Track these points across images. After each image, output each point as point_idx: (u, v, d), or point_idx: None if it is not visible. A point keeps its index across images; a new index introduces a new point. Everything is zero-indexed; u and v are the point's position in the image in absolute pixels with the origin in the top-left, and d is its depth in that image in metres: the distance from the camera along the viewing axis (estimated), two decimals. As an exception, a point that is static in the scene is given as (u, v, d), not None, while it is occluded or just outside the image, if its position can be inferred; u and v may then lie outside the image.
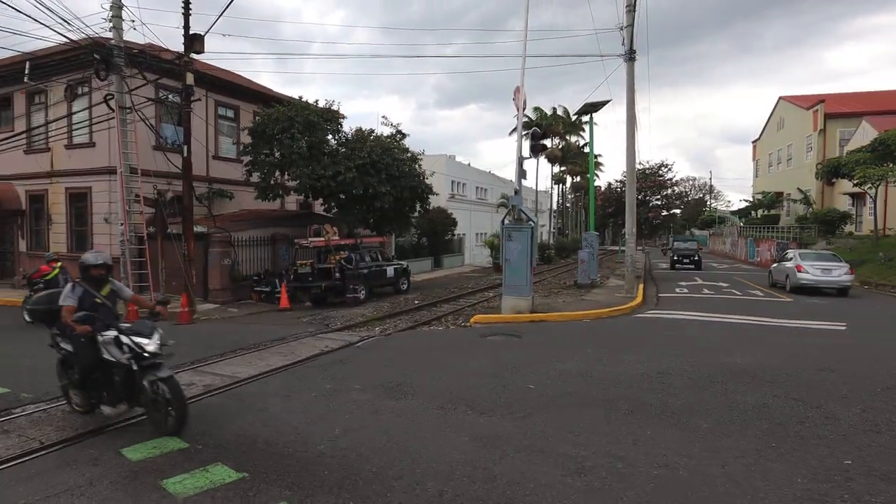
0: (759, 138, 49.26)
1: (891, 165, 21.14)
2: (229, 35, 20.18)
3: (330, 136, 18.79)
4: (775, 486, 3.60)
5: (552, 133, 40.19)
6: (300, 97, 18.36)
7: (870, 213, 31.02)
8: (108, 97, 13.86)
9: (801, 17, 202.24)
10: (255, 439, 4.67)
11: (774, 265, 20.09)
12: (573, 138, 47.28)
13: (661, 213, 48.44)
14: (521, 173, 12.46)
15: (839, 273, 16.47)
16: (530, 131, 13.08)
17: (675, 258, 29.72)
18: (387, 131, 20.39)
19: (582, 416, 5.13)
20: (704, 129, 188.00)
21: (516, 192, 12.26)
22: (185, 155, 13.89)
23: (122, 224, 13.72)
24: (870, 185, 23.09)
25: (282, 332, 10.85)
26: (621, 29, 16.20)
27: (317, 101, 18.66)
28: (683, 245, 31.44)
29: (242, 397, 6.24)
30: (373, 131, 19.70)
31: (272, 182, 17.96)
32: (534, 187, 39.15)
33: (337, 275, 15.32)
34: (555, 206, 50.68)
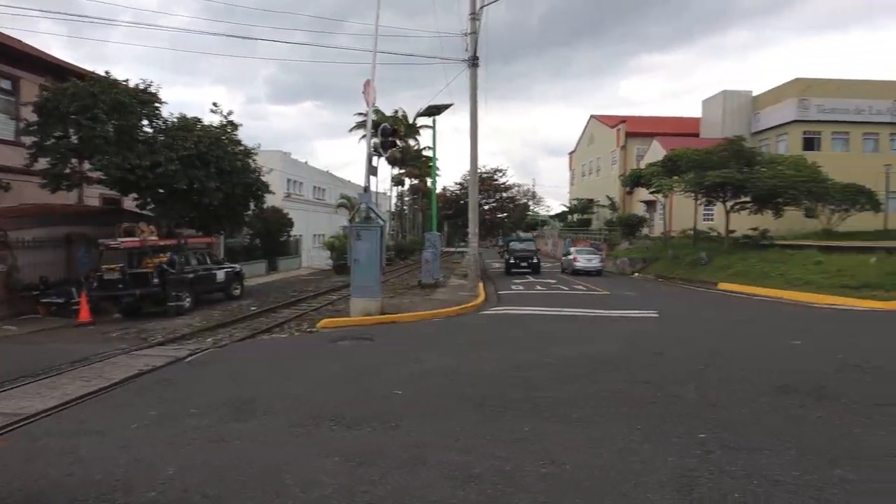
0: (574, 151, 55.33)
1: (676, 178, 25.07)
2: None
3: (145, 122, 16.28)
4: (652, 468, 3.69)
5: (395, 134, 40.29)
6: (107, 73, 15.60)
7: (660, 218, 36.67)
8: None
9: (602, 50, 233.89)
10: (53, 497, 3.54)
11: (564, 258, 28.86)
12: (411, 142, 48.06)
13: (497, 215, 51.69)
14: (371, 170, 12.02)
15: (596, 261, 25.99)
16: (380, 128, 12.68)
17: (512, 261, 26.33)
18: (216, 120, 18.34)
19: (456, 419, 4.87)
20: (528, 140, 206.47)
21: (366, 190, 11.78)
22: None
23: None
24: (662, 193, 27.14)
25: (83, 352, 8.92)
26: (465, 35, 16.70)
27: (127, 81, 16.04)
28: (520, 246, 28.31)
29: (34, 438, 4.82)
30: (199, 120, 17.53)
31: (68, 170, 14.95)
32: (374, 189, 38.85)
33: (156, 280, 13.23)
34: (393, 209, 51.06)
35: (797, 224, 28.85)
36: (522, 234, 53.62)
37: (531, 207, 74.68)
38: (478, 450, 4.10)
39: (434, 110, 20.08)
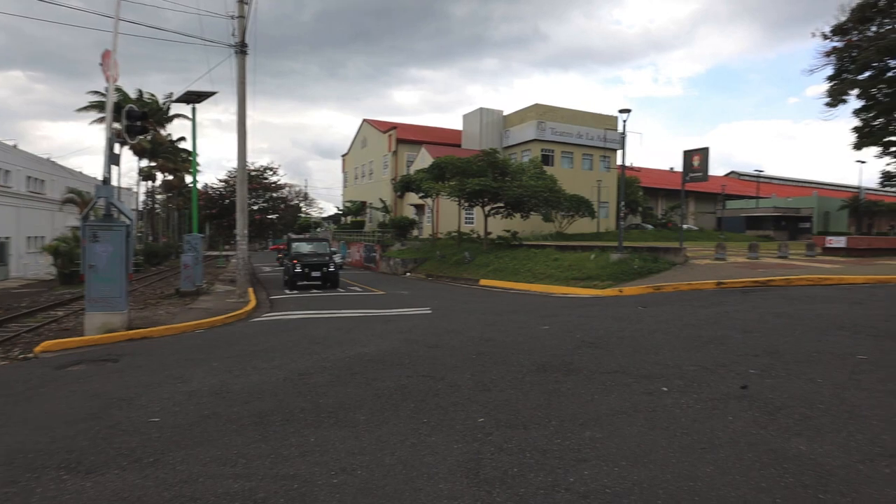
0: (347, 153, 55.69)
1: (442, 184, 27.14)
2: None
3: None
4: (442, 458, 3.78)
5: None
6: None
7: (427, 221, 39.28)
8: None
9: (374, 59, 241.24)
10: None
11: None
12: (163, 131, 42.41)
13: (267, 216, 48.76)
14: (113, 158, 10.05)
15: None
16: (125, 110, 10.71)
17: (298, 269, 18.71)
18: None
19: (232, 441, 4.30)
20: (298, 140, 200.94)
21: (105, 182, 9.82)
22: None
23: None
24: (430, 197, 29.08)
25: None
26: (233, 18, 15.27)
27: None
28: (309, 248, 21.40)
29: None
30: None
31: None
32: (116, 183, 33.06)
33: None
34: (141, 206, 44.35)
35: (538, 227, 33.93)
36: (318, 232, 51.04)
37: (303, 209, 72.72)
38: (261, 472, 3.67)
39: (194, 97, 17.92)
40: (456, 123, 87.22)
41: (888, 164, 45.00)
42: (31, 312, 14.07)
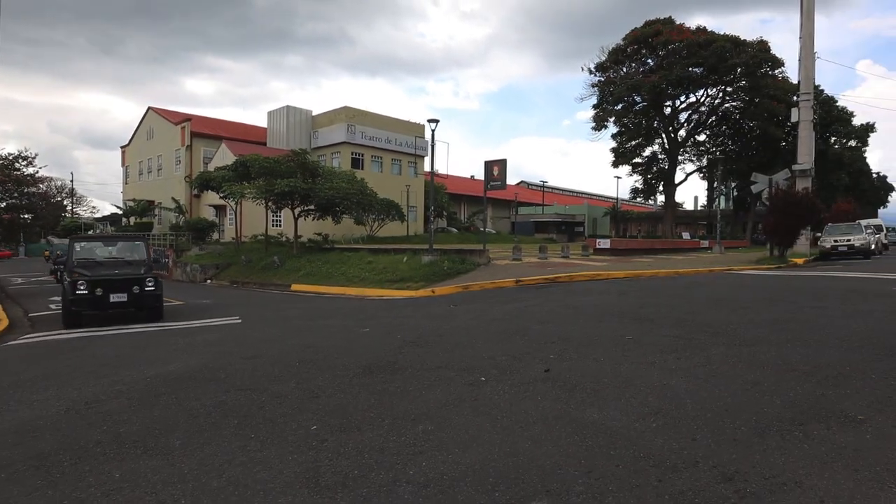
0: (128, 144, 48.73)
1: (247, 184, 25.45)
2: None
3: None
4: (277, 472, 3.61)
5: None
6: None
7: (230, 223, 36.41)
8: None
9: (161, 39, 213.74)
10: None
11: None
12: None
13: (20, 215, 39.87)
14: None
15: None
16: None
17: (85, 291, 11.39)
18: None
19: (6, 493, 3.50)
20: (60, 126, 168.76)
21: None
22: None
23: None
24: (233, 198, 27.02)
25: None
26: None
27: None
28: (105, 253, 13.19)
29: None
30: None
31: None
32: None
33: None
34: None
35: (349, 230, 33.89)
36: (56, 241, 42.51)
37: (69, 207, 61.24)
38: (50, 522, 3.06)
39: None
40: (259, 120, 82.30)
41: (636, 182, 55.43)
42: None
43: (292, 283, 20.68)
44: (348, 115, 41.23)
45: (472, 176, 72.46)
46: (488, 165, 20.86)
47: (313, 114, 44.19)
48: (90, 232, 47.82)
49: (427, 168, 48.02)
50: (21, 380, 6.73)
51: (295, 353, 7.51)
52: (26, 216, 41.08)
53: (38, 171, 41.66)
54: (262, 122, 49.16)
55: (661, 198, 58.37)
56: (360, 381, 5.86)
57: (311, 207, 24.98)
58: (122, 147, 50.01)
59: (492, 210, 66.33)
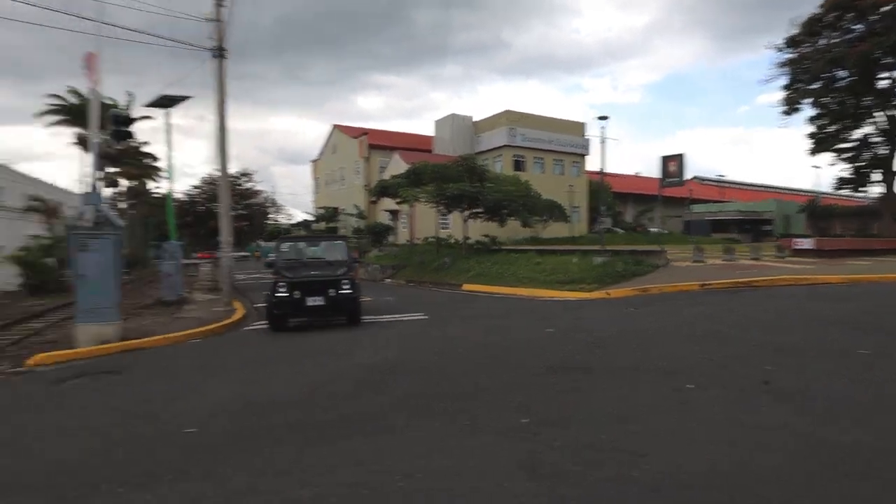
0: (318, 159, 55.11)
1: (420, 188, 27.19)
2: None
3: None
4: (494, 459, 3.85)
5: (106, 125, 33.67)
6: None
7: (403, 226, 39.22)
8: None
9: (338, 63, 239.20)
10: None
11: None
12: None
13: (242, 223, 47.72)
14: (100, 165, 9.75)
15: None
16: (111, 113, 10.41)
17: (287, 294, 10.69)
18: None
19: (276, 452, 4.26)
20: (262, 146, 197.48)
21: (94, 189, 9.52)
22: None
23: None
24: (408, 203, 29.08)
25: None
26: (208, 21, 15.00)
27: None
28: (307, 253, 12.83)
29: None
30: None
31: None
32: (81, 191, 31.83)
33: None
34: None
35: (514, 232, 34.32)
36: (263, 244, 49.01)
37: (271, 215, 71.42)
38: (322, 481, 3.67)
39: (167, 101, 17.45)
40: (422, 129, 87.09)
41: (841, 171, 47.36)
42: (6, 326, 13.42)
43: (463, 283, 21.57)
44: (509, 119, 41.82)
45: (638, 173, 68.52)
46: (664, 161, 19.61)
47: (474, 119, 45.69)
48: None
49: (590, 167, 46.63)
50: (261, 360, 8.08)
51: (482, 350, 7.88)
52: (244, 224, 49.18)
53: (254, 186, 49.58)
54: (425, 130, 52.03)
55: (875, 189, 49.12)
56: (552, 380, 5.96)
57: (480, 210, 25.83)
58: (312, 161, 56.91)
59: (661, 208, 62.00)
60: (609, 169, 54.63)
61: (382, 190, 30.90)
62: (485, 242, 27.44)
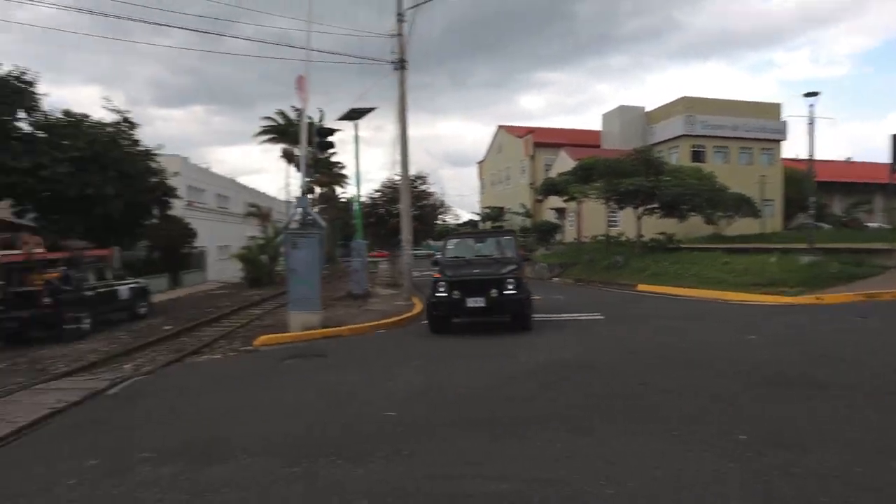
0: (483, 160, 56.51)
1: (590, 185, 26.25)
2: None
3: (23, 115, 14.01)
4: (714, 476, 3.46)
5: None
6: (-27, 58, 13.17)
7: (570, 225, 38.35)
8: None
9: (499, 65, 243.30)
10: None
11: None
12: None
13: (417, 225, 51.14)
14: (308, 172, 11.10)
15: None
16: (315, 128, 11.80)
17: (446, 294, 9.90)
18: (109, 118, 16.21)
19: (473, 441, 4.37)
20: (430, 150, 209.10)
21: (303, 195, 10.88)
22: None
23: None
24: (576, 200, 28.32)
25: (-36, 390, 7.25)
26: (391, 36, 16.19)
27: (-1, 66, 13.67)
28: (472, 251, 11.98)
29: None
30: (87, 117, 15.44)
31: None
32: (291, 198, 36.98)
33: (47, 300, 11.28)
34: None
35: (692, 229, 31.42)
36: (434, 244, 51.74)
37: (440, 216, 75.23)
38: (520, 475, 3.64)
39: (355, 114, 19.24)
40: (585, 124, 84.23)
41: None
42: (235, 311, 16.10)
43: (638, 283, 20.30)
44: (686, 106, 38.30)
45: (849, 159, 57.92)
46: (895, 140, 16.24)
47: (646, 110, 42.79)
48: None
49: (784, 154, 40.77)
50: (446, 353, 8.43)
51: (675, 354, 7.26)
52: (417, 224, 52.74)
53: (428, 188, 52.95)
54: (589, 125, 50.09)
55: None
56: (768, 392, 5.23)
57: (655, 206, 24.10)
58: (478, 162, 58.57)
59: (882, 200, 51.71)
60: (809, 155, 47.14)
61: (549, 188, 30.52)
62: (660, 240, 25.52)
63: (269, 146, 41.48)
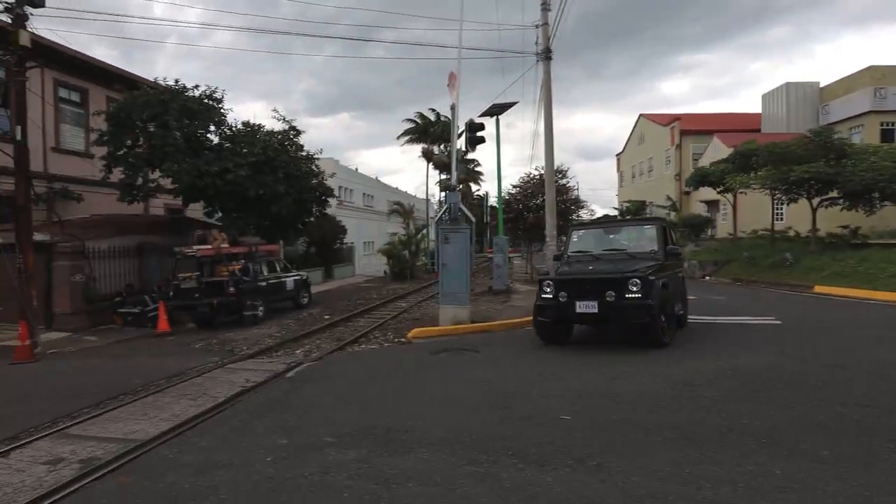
0: (622, 152, 53.67)
1: (752, 174, 23.47)
2: (59, 15, 16.37)
3: (212, 128, 15.99)
4: None
5: (444, 139, 39.68)
6: (176, 81, 15.30)
7: (723, 219, 34.87)
8: None
9: (637, 52, 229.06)
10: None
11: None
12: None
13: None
14: (459, 167, 11.22)
15: None
16: (466, 123, 11.92)
17: (550, 296, 8.17)
18: (277, 127, 17.91)
19: (668, 455, 3.95)
20: (563, 145, 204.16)
21: (452, 189, 11.03)
22: (20, 139, 10.56)
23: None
24: (732, 192, 25.57)
25: (175, 366, 8.40)
26: (537, 27, 15.84)
27: (196, 87, 15.71)
28: (602, 244, 9.38)
29: (157, 475, 4.15)
30: (262, 126, 17.20)
31: (140, 180, 14.71)
32: (431, 196, 38.42)
33: (231, 289, 12.76)
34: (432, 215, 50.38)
35: (882, 222, 26.78)
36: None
37: (574, 211, 72.96)
38: (724, 497, 3.18)
39: (497, 109, 19.18)
40: (736, 108, 75.69)
41: None
42: (383, 303, 16.97)
43: (814, 283, 17.72)
44: (874, 77, 32.57)
45: None
46: None
47: (820, 85, 37.28)
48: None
49: None
50: (591, 354, 7.95)
51: (891, 370, 6.06)
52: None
53: (567, 182, 51.60)
54: (740, 109, 44.96)
55: None
56: None
57: (836, 195, 20.82)
58: (616, 155, 55.67)
59: None
60: None
61: (701, 179, 28.00)
62: (841, 235, 22.07)
63: (408, 147, 43.35)
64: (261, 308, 13.57)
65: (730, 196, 28.69)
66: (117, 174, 14.76)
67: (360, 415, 5.39)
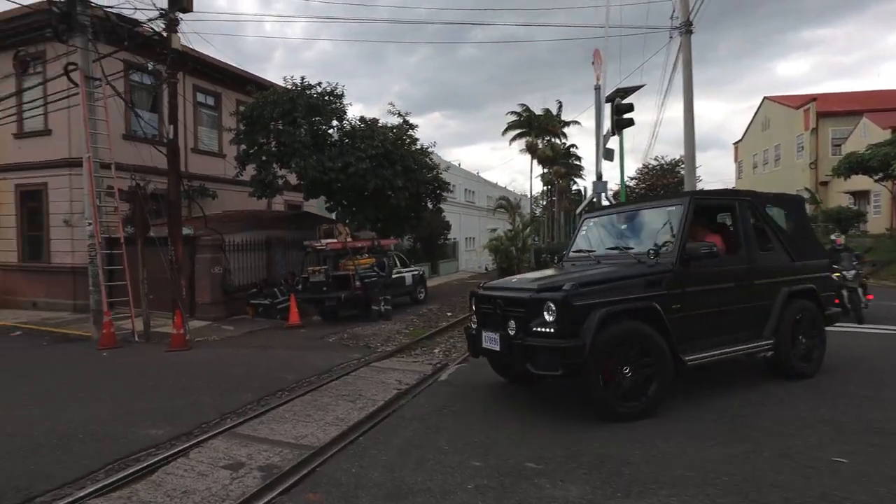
0: (741, 140, 49.16)
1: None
2: (191, 31, 17.21)
3: (335, 123, 16.10)
4: None
5: (548, 132, 38.38)
6: (302, 78, 15.53)
7: (874, 212, 30.58)
8: (69, 67, 10.70)
9: (748, 31, 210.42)
10: None
11: None
12: (558, 140, 45.68)
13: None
14: (606, 154, 10.25)
15: None
16: (613, 104, 10.87)
17: (472, 323, 6.13)
18: (392, 121, 17.78)
19: None
20: (662, 135, 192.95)
21: (599, 178, 10.05)
22: (172, 137, 11.02)
23: (90, 224, 10.62)
24: (891, 180, 22.16)
25: (320, 361, 8.22)
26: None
27: (319, 84, 15.87)
28: (606, 232, 6.72)
29: (345, 496, 3.70)
30: (377, 121, 17.12)
31: (270, 176, 15.11)
32: (512, 189, 37.36)
33: (357, 284, 12.66)
34: (537, 210, 48.98)
35: None
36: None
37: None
38: None
39: (622, 93, 17.71)
40: (872, 85, 66.31)
41: None
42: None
43: None
44: None
45: None
46: None
47: None
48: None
49: None
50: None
51: None
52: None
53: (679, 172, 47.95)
54: (877, 86, 39.13)
55: None
56: None
57: None
58: (734, 143, 50.98)
59: None
60: None
61: (854, 165, 24.60)
62: None
63: (499, 144, 42.46)
64: (389, 303, 13.40)
65: (884, 186, 25.04)
66: (248, 172, 15.27)
67: (553, 435, 4.67)
